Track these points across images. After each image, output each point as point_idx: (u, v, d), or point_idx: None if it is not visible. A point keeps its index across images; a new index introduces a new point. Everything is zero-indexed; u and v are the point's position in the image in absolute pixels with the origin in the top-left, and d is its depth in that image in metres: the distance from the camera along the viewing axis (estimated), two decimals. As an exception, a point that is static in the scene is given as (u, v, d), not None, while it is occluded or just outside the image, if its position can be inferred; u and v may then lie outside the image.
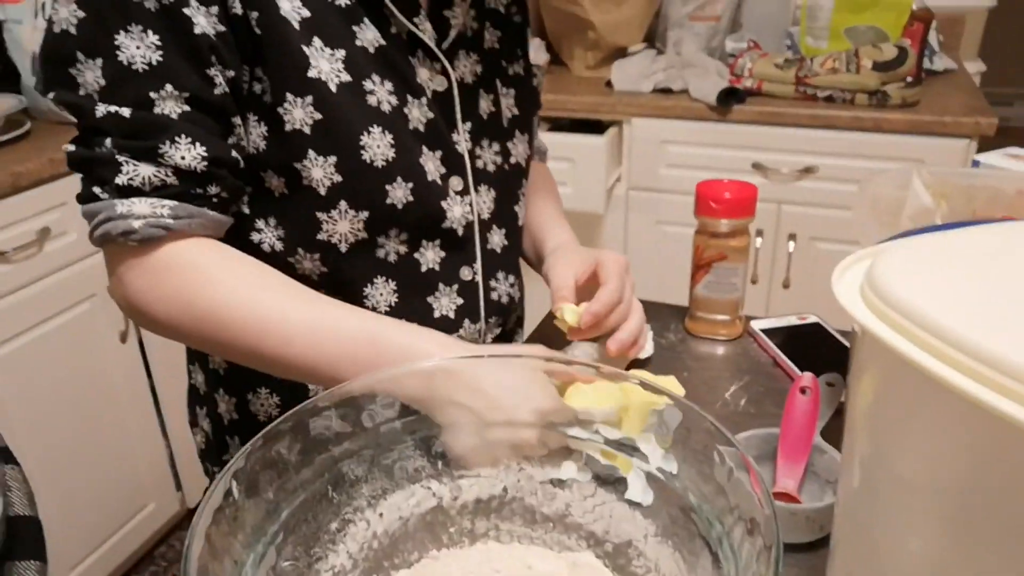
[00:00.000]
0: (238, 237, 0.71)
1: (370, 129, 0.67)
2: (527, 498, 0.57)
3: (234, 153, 0.65)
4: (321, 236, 0.70)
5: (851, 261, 0.40)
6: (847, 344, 0.82)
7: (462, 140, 0.75)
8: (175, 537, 2.02)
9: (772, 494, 0.61)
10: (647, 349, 0.82)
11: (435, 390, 0.58)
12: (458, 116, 0.75)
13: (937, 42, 2.03)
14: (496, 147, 0.79)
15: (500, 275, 0.82)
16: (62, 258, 1.54)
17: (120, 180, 0.61)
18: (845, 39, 1.87)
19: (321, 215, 0.69)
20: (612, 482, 0.55)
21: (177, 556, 1.96)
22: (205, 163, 0.62)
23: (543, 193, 0.94)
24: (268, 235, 0.71)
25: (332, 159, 0.66)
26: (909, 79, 1.72)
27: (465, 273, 0.78)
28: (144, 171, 0.61)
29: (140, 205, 0.61)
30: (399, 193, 0.70)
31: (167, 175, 0.62)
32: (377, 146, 0.67)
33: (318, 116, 0.65)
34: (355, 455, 0.54)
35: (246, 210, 0.70)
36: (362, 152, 0.67)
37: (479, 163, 0.77)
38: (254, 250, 0.71)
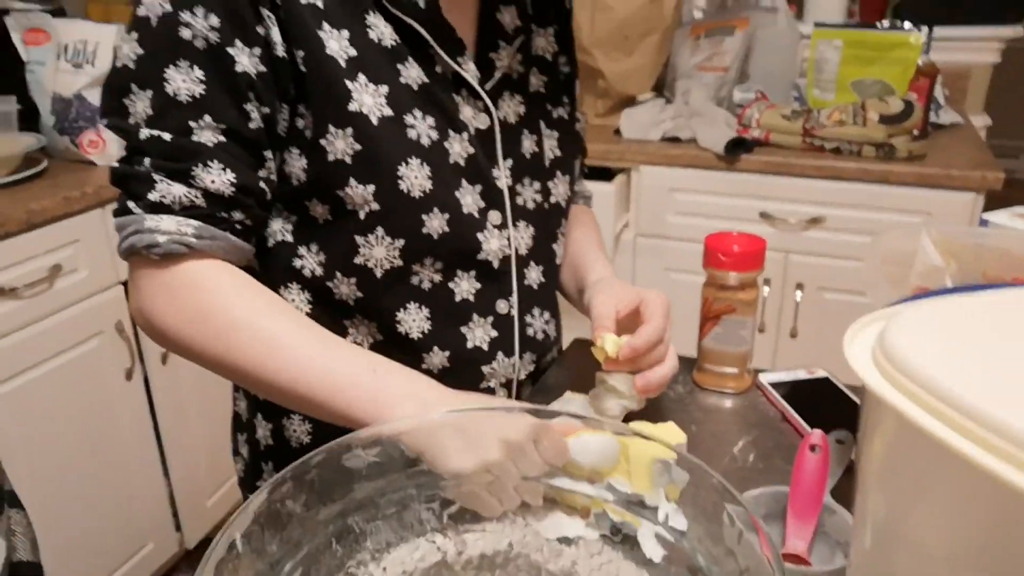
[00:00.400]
0: (280, 264, 0.75)
1: (408, 160, 0.70)
2: (533, 554, 0.57)
3: (262, 184, 0.68)
4: (358, 260, 0.72)
5: (863, 324, 0.40)
6: (856, 400, 0.82)
7: (503, 176, 0.77)
8: (173, 577, 2.00)
9: (781, 555, 0.60)
10: (631, 397, 0.81)
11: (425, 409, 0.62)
12: (499, 153, 0.77)
13: (943, 96, 2.05)
14: (537, 186, 0.81)
15: (536, 311, 0.84)
16: (72, 295, 1.55)
17: (152, 196, 0.64)
18: (852, 92, 1.89)
19: (359, 239, 0.71)
20: (622, 540, 0.55)
21: (174, 598, 1.94)
22: (233, 189, 0.66)
23: (585, 229, 0.95)
24: (309, 260, 0.74)
25: (371, 188, 0.69)
26: (915, 132, 1.73)
27: (501, 307, 0.80)
28: (176, 191, 0.64)
29: (167, 222, 0.64)
30: (435, 223, 0.72)
31: (196, 196, 0.65)
32: (415, 177, 0.70)
33: (358, 147, 0.68)
34: (361, 508, 0.53)
35: (290, 238, 0.74)
36: (399, 182, 0.70)
37: (519, 200, 0.80)
38: (295, 276, 0.75)
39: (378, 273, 0.73)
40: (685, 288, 1.96)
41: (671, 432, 0.69)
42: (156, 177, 0.64)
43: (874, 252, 0.63)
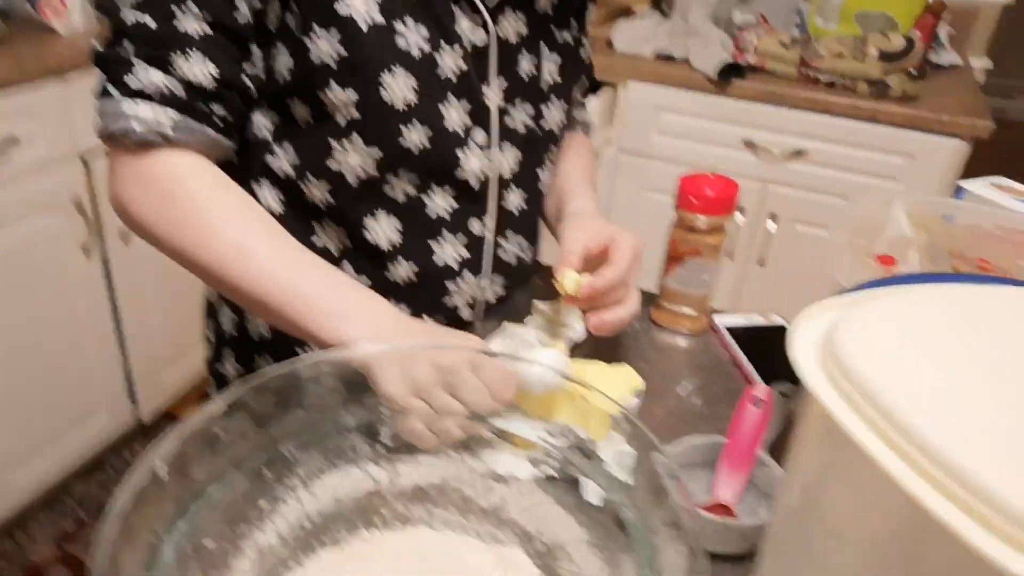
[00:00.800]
0: (254, 159, 0.73)
1: (393, 70, 0.67)
2: (465, 489, 0.57)
3: (246, 79, 0.67)
4: (331, 164, 0.71)
5: (814, 312, 0.39)
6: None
7: (493, 95, 0.74)
8: (127, 449, 2.02)
9: (710, 505, 0.61)
10: (579, 331, 0.80)
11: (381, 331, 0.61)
12: (492, 71, 0.73)
13: (947, 36, 1.99)
14: (529, 109, 0.78)
15: (511, 235, 0.82)
16: (28, 168, 1.49)
17: (130, 82, 0.63)
18: (855, 23, 1.83)
19: (334, 143, 0.70)
20: (562, 480, 0.54)
21: (126, 467, 1.97)
22: (214, 83, 0.64)
23: (578, 157, 0.92)
24: (283, 160, 0.73)
25: (352, 94, 0.67)
26: (913, 71, 1.68)
27: (475, 227, 0.78)
28: (154, 78, 0.62)
29: (144, 109, 0.63)
30: (415, 137, 0.70)
31: (175, 86, 0.63)
32: (399, 88, 0.68)
33: (344, 53, 0.65)
34: (294, 435, 0.53)
35: (268, 136, 0.72)
36: (382, 91, 0.67)
37: (508, 121, 0.77)
38: (267, 173, 0.74)
39: (351, 180, 0.71)
40: (660, 209, 1.94)
41: (628, 376, 0.69)
42: (135, 62, 0.62)
43: (845, 217, 0.61)
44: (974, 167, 1.69)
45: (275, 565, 0.52)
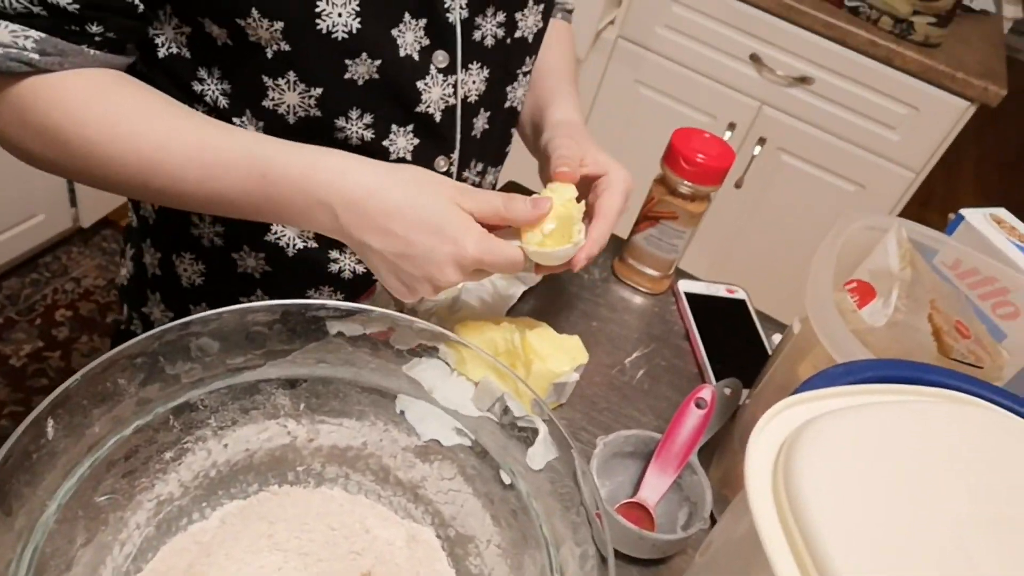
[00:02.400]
0: (177, 82, 0.61)
1: None
2: (385, 458, 0.55)
3: None
4: (267, 104, 0.60)
5: (778, 409, 0.36)
6: (764, 340, 0.80)
7: (456, 7, 0.62)
8: (62, 250, 1.97)
9: (629, 502, 0.61)
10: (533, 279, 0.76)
11: (346, 227, 0.54)
12: None
13: (986, -24, 1.86)
14: (501, 17, 0.66)
15: (473, 163, 0.73)
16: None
17: None
18: (896, -53, 1.69)
19: (267, 80, 0.59)
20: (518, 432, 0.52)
21: (61, 269, 1.93)
22: (76, 5, 0.51)
23: (559, 55, 0.79)
24: (211, 88, 0.61)
25: (279, 24, 0.55)
26: (942, 15, 1.58)
27: (440, 164, 0.69)
28: None
29: (0, 32, 0.50)
30: (361, 69, 0.59)
31: (32, 4, 0.50)
32: (338, 15, 0.56)
33: None
34: (207, 385, 0.49)
35: (187, 54, 0.60)
36: (317, 21, 0.55)
37: (475, 36, 0.65)
38: (197, 100, 0.62)
39: (291, 120, 0.61)
40: (649, 106, 1.85)
41: (575, 349, 0.66)
42: None
43: (833, 234, 0.57)
44: (976, 123, 1.64)
45: (176, 516, 0.50)
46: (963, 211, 0.66)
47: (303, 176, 0.53)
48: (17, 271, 1.87)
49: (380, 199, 0.53)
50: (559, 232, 0.57)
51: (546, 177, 0.65)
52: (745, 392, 0.68)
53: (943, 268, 0.61)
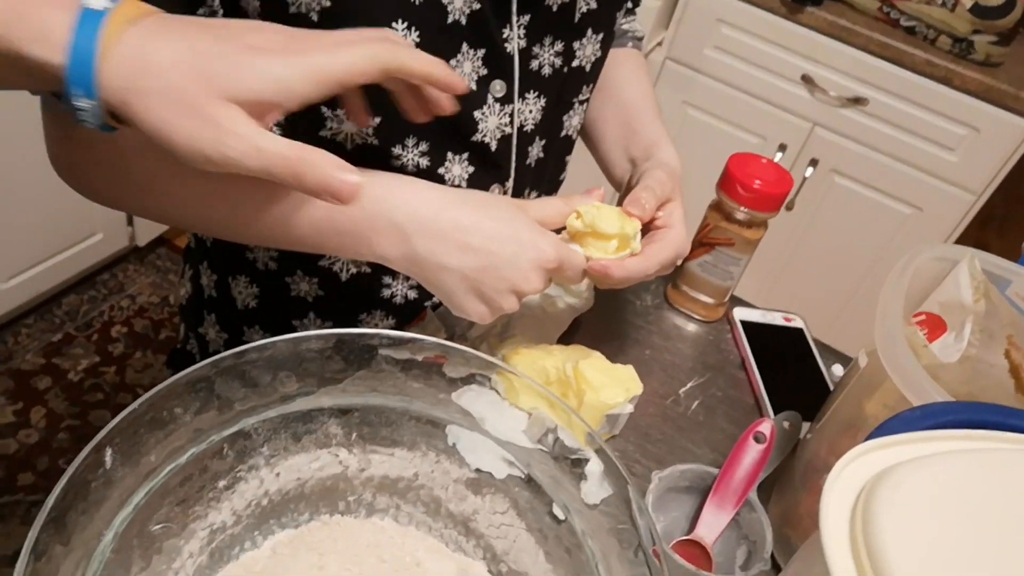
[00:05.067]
0: None
1: (392, 25, 0.55)
2: (436, 489, 0.54)
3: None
4: (324, 133, 0.60)
5: (856, 453, 0.34)
6: (823, 371, 0.77)
7: (514, 37, 0.62)
8: (119, 268, 2.02)
9: (685, 539, 0.59)
10: (589, 299, 0.76)
11: (419, 251, 0.53)
12: (513, 6, 0.60)
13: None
14: (559, 47, 0.66)
15: (528, 191, 0.73)
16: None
17: None
18: (955, -35, 1.65)
19: (325, 111, 0.59)
20: (572, 465, 0.51)
21: (118, 286, 1.98)
22: None
23: (642, 84, 0.78)
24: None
25: None
26: (1004, 33, 1.54)
27: (494, 192, 0.69)
28: None
29: None
30: None
31: None
32: None
33: (326, 3, 0.53)
34: (260, 413, 0.49)
35: None
36: None
37: (533, 65, 0.64)
38: None
39: (348, 147, 0.61)
40: (699, 128, 1.84)
41: (628, 380, 0.64)
42: None
43: (903, 267, 0.55)
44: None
45: (228, 545, 0.49)
46: (1037, 241, 0.63)
47: (370, 198, 0.53)
48: (76, 288, 1.92)
49: (452, 215, 0.53)
50: (619, 250, 0.59)
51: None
52: (805, 426, 0.66)
53: (1018, 300, 0.58)
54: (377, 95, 0.57)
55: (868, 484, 0.32)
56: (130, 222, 1.93)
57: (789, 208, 1.80)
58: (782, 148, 1.76)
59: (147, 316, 1.93)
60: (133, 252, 2.04)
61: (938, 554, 0.30)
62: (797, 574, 0.39)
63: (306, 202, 0.53)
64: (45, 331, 1.82)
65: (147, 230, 1.98)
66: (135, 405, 0.42)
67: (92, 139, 0.52)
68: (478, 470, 0.53)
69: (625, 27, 0.83)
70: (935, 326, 0.56)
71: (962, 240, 1.72)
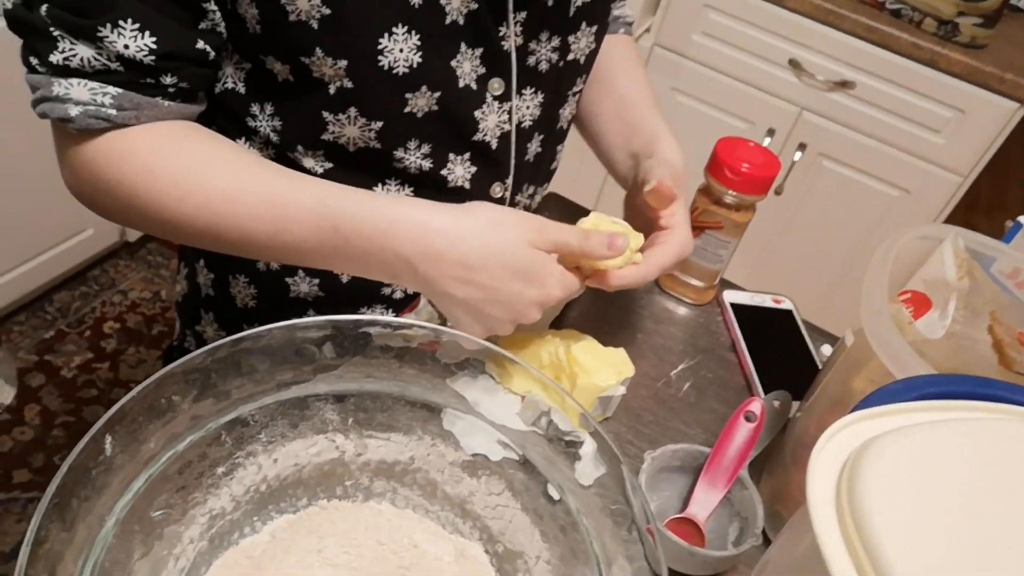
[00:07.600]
0: (232, 118, 0.62)
1: (393, 30, 0.55)
2: (432, 473, 0.55)
3: (201, 44, 0.54)
4: (326, 137, 0.61)
5: (840, 426, 0.35)
6: (812, 352, 0.78)
7: (511, 34, 0.62)
8: (110, 264, 2.02)
9: (678, 518, 0.60)
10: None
11: (426, 280, 0.54)
12: (510, 4, 0.60)
13: (1033, -25, 1.82)
14: (556, 41, 0.66)
15: (526, 186, 0.74)
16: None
17: (55, 58, 0.51)
18: (940, -53, 1.65)
19: (327, 115, 0.59)
20: (566, 446, 0.52)
21: (110, 282, 1.98)
22: (152, 56, 0.52)
23: (642, 78, 0.78)
24: (263, 123, 0.62)
25: (343, 62, 0.56)
26: (989, 15, 1.55)
27: (496, 190, 0.69)
28: (83, 52, 0.51)
29: (79, 89, 0.51)
30: (421, 102, 0.60)
31: (109, 60, 0.51)
32: (400, 50, 0.56)
33: (326, 11, 0.53)
34: (257, 400, 0.49)
35: (242, 89, 0.61)
36: (379, 57, 0.56)
37: (530, 61, 0.65)
38: (250, 134, 0.63)
39: (351, 149, 0.62)
40: (687, 114, 1.84)
41: (620, 363, 0.65)
42: (55, 33, 0.50)
43: (886, 247, 0.56)
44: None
45: (227, 530, 0.50)
46: (1021, 218, 0.64)
47: (377, 230, 0.53)
48: (67, 284, 1.92)
49: (460, 252, 0.52)
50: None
51: (632, 202, 0.68)
52: (795, 405, 0.67)
53: (1002, 277, 0.59)
54: (378, 98, 0.58)
55: (853, 454, 0.33)
56: (120, 217, 1.92)
57: (778, 193, 1.81)
58: (770, 133, 1.76)
59: (139, 311, 1.93)
60: (124, 247, 2.04)
61: (921, 519, 0.31)
62: (787, 544, 0.40)
63: (316, 233, 0.54)
64: (37, 328, 1.82)
65: (137, 225, 1.98)
66: (134, 392, 0.42)
67: (105, 161, 0.54)
68: (474, 453, 0.54)
69: (616, 12, 0.82)
70: (920, 304, 0.57)
71: (950, 221, 1.73)
